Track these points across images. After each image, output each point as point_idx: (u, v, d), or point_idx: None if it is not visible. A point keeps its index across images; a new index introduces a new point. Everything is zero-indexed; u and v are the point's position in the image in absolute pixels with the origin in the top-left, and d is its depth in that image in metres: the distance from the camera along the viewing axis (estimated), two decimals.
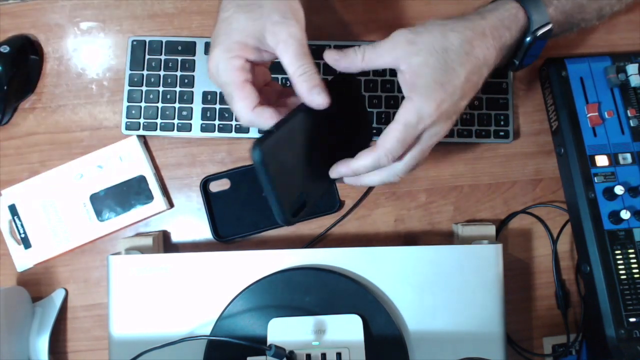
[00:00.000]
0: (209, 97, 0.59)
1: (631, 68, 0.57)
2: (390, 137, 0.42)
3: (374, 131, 0.58)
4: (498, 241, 0.56)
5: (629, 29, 0.62)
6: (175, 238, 0.60)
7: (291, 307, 0.51)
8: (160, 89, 0.59)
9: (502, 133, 0.60)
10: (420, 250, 0.53)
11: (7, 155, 0.60)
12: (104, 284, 0.59)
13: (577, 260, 0.59)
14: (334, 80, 0.47)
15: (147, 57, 0.59)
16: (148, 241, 0.56)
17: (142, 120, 0.59)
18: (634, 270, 0.53)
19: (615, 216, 0.54)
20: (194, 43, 0.59)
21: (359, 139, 0.50)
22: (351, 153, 0.45)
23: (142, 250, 0.55)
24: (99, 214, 0.58)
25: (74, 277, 0.59)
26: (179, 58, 0.59)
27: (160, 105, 0.59)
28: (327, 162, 0.46)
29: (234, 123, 0.59)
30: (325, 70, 0.60)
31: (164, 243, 0.60)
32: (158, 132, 0.59)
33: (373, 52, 0.43)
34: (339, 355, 0.49)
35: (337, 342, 0.50)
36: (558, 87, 0.58)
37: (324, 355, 0.49)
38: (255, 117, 0.42)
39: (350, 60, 0.44)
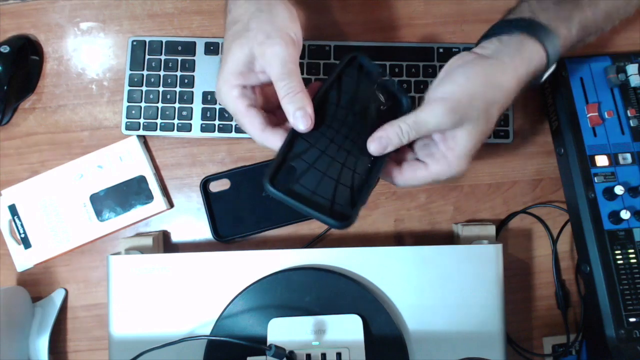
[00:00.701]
0: (209, 97, 0.59)
1: (631, 68, 0.57)
2: (416, 181, 0.46)
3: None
4: (498, 241, 0.56)
5: (629, 29, 0.62)
6: (175, 238, 0.60)
7: (291, 307, 0.51)
8: (160, 89, 0.59)
9: (502, 133, 0.60)
10: (420, 250, 0.53)
11: (7, 155, 0.60)
12: (104, 284, 0.59)
13: (577, 260, 0.59)
14: (337, 73, 0.46)
15: (147, 57, 0.59)
16: (148, 241, 0.56)
17: (142, 120, 0.59)
18: (634, 271, 0.53)
19: (615, 216, 0.54)
20: (194, 43, 0.59)
21: (392, 106, 0.49)
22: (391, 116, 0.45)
23: (142, 250, 0.55)
24: (99, 214, 0.58)
25: (74, 277, 0.59)
26: (179, 58, 0.59)
27: (160, 105, 0.59)
28: (361, 139, 0.45)
29: (234, 123, 0.59)
30: (324, 71, 0.60)
31: (164, 243, 0.60)
32: (158, 132, 0.59)
33: (417, 134, 0.44)
34: (339, 355, 0.49)
35: (337, 342, 0.50)
36: (558, 87, 0.58)
37: (324, 355, 0.49)
38: (265, 139, 0.43)
39: (396, 145, 0.45)
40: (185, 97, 0.59)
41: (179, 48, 0.59)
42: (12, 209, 0.58)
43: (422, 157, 0.47)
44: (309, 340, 0.49)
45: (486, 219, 0.61)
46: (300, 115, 0.42)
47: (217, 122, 0.59)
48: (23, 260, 0.58)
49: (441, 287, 0.52)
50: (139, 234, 0.59)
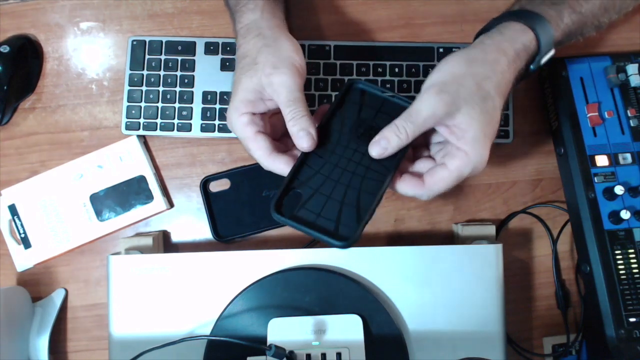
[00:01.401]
0: (209, 97, 0.59)
1: (631, 68, 0.57)
2: (440, 184, 0.45)
3: None
4: (498, 241, 0.56)
5: (629, 29, 0.62)
6: (175, 238, 0.60)
7: (291, 307, 0.51)
8: (160, 89, 0.59)
9: (502, 133, 0.59)
10: (420, 250, 0.53)
11: (7, 155, 0.60)
12: (104, 284, 0.59)
13: (577, 260, 0.59)
14: (340, 97, 0.48)
15: (147, 57, 0.59)
16: (148, 241, 0.56)
17: (142, 120, 0.59)
18: (634, 270, 0.53)
19: (615, 216, 0.54)
20: (194, 43, 0.59)
21: None
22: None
23: (142, 250, 0.55)
24: (99, 214, 0.58)
25: (74, 277, 0.59)
26: (179, 58, 0.59)
27: (160, 105, 0.59)
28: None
29: None
30: (324, 71, 0.60)
31: (164, 243, 0.60)
32: (158, 132, 0.59)
33: (414, 127, 0.44)
34: (339, 355, 0.49)
35: (337, 342, 0.50)
36: (558, 87, 0.58)
37: (324, 355, 0.49)
38: (271, 163, 0.46)
39: (396, 145, 0.45)
40: (185, 97, 0.59)
41: (179, 48, 0.59)
42: (12, 209, 0.58)
43: (440, 160, 0.47)
44: (309, 340, 0.49)
45: (486, 219, 0.61)
46: (303, 135, 0.45)
47: (217, 122, 0.59)
48: (23, 260, 0.58)
49: (441, 287, 0.52)
50: (139, 234, 0.59)
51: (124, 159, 0.59)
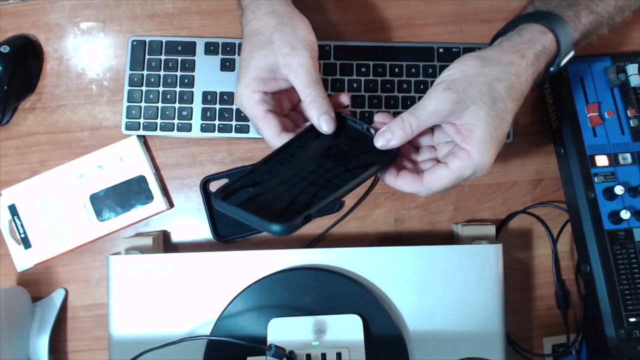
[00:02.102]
0: (209, 97, 0.59)
1: (631, 68, 0.57)
2: (439, 183, 0.45)
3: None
4: (498, 241, 0.56)
5: (629, 29, 0.62)
6: (175, 238, 0.60)
7: (291, 307, 0.51)
8: (160, 89, 0.59)
9: None
10: (420, 250, 0.53)
11: (7, 155, 0.60)
12: (104, 284, 0.59)
13: (577, 260, 0.59)
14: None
15: (147, 57, 0.59)
16: (148, 241, 0.56)
17: (142, 120, 0.59)
18: (634, 270, 0.53)
19: (615, 216, 0.54)
20: (194, 43, 0.59)
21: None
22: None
23: (142, 250, 0.55)
24: (99, 214, 0.58)
25: (74, 277, 0.59)
26: (179, 58, 0.59)
27: (160, 105, 0.59)
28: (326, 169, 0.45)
29: (234, 123, 0.59)
30: (324, 71, 0.60)
31: (164, 243, 0.60)
32: (158, 132, 0.59)
33: (418, 122, 0.44)
34: (339, 355, 0.49)
35: (337, 342, 0.50)
36: (558, 87, 0.58)
37: (324, 355, 0.49)
38: (279, 143, 0.46)
39: (400, 138, 0.44)
40: (185, 97, 0.59)
41: (179, 48, 0.59)
42: (12, 209, 0.58)
43: (443, 159, 0.46)
44: (309, 340, 0.49)
45: (486, 219, 0.61)
46: (325, 119, 0.45)
47: (217, 122, 0.59)
48: (23, 260, 0.58)
49: (441, 287, 0.52)
50: (139, 234, 0.59)
51: (124, 159, 0.59)
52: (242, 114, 0.57)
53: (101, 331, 0.59)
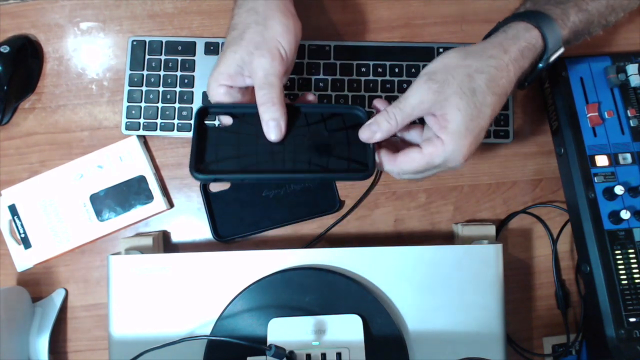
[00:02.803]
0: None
1: (631, 68, 0.57)
2: (410, 165, 0.46)
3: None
4: (498, 241, 0.56)
5: (629, 29, 0.62)
6: (175, 238, 0.60)
7: (291, 307, 0.51)
8: (160, 89, 0.59)
9: (502, 133, 0.60)
10: (420, 250, 0.53)
11: (7, 155, 0.60)
12: (104, 284, 0.59)
13: (577, 260, 0.59)
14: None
15: (147, 57, 0.59)
16: (148, 241, 0.56)
17: (142, 120, 0.59)
18: (634, 270, 0.53)
19: (615, 216, 0.54)
20: (194, 43, 0.59)
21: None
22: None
23: (142, 250, 0.55)
24: (99, 214, 0.58)
25: (74, 277, 0.59)
26: (179, 58, 0.59)
27: (160, 105, 0.59)
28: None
29: None
30: (324, 71, 0.60)
31: (164, 243, 0.60)
32: (158, 132, 0.59)
33: (403, 114, 0.45)
34: (339, 355, 0.49)
35: (337, 342, 0.50)
36: (558, 87, 0.58)
37: (324, 355, 0.49)
38: None
39: (386, 131, 0.45)
40: (185, 97, 0.59)
41: (179, 48, 0.59)
42: (12, 209, 0.58)
43: (420, 143, 0.46)
44: (309, 340, 0.49)
45: (486, 219, 0.61)
46: (273, 125, 0.45)
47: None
48: (23, 260, 0.58)
49: (441, 287, 0.52)
50: (139, 234, 0.59)
51: (124, 159, 0.59)
52: None
53: (101, 331, 0.59)
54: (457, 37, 0.62)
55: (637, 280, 0.53)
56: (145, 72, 0.59)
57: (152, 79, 0.59)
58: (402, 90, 0.59)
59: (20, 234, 0.58)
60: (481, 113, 0.44)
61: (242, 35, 0.46)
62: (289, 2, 0.49)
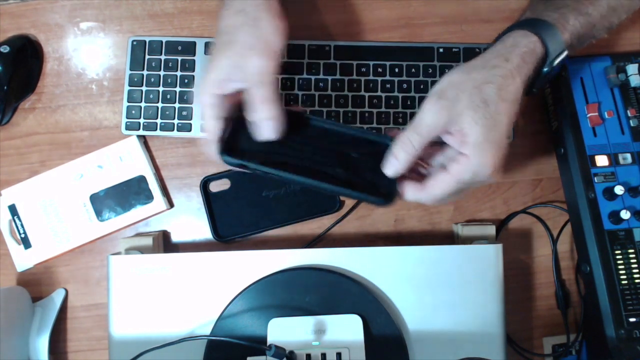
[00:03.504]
0: None
1: (631, 68, 0.57)
2: (440, 188, 0.45)
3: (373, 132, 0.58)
4: (498, 241, 0.56)
5: (629, 29, 0.62)
6: (175, 238, 0.60)
7: (291, 307, 0.51)
8: (160, 89, 0.59)
9: None
10: (420, 250, 0.53)
11: (7, 155, 0.60)
12: (104, 284, 0.59)
13: (577, 260, 0.59)
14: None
15: (147, 57, 0.59)
16: (148, 241, 0.56)
17: (142, 120, 0.59)
18: (634, 270, 0.53)
19: (615, 216, 0.54)
20: (194, 43, 0.59)
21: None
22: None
23: (142, 250, 0.55)
24: (99, 214, 0.58)
25: (74, 277, 0.59)
26: (179, 58, 0.59)
27: (160, 105, 0.59)
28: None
29: None
30: (324, 71, 0.60)
31: (164, 243, 0.60)
32: (158, 132, 0.59)
33: (419, 137, 0.44)
34: (339, 355, 0.49)
35: (337, 342, 0.50)
36: (558, 87, 0.58)
37: (324, 355, 0.49)
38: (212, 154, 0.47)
39: (405, 161, 0.45)
40: (185, 97, 0.59)
41: (179, 48, 0.59)
42: (12, 209, 0.58)
43: (445, 165, 0.46)
44: (309, 340, 0.49)
45: (486, 219, 0.61)
46: (269, 124, 0.45)
47: None
48: (23, 260, 0.58)
49: (441, 287, 0.52)
50: (139, 234, 0.59)
51: (124, 159, 0.59)
52: None
53: (101, 331, 0.59)
54: (457, 37, 0.62)
55: (637, 280, 0.53)
56: (145, 72, 0.59)
57: (152, 79, 0.59)
58: (403, 90, 0.59)
59: (20, 234, 0.58)
60: (497, 122, 0.44)
61: (234, 38, 0.45)
62: (275, 2, 0.48)
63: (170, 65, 0.59)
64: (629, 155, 0.56)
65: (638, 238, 0.54)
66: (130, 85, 0.59)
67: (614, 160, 0.56)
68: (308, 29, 0.62)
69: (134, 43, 0.59)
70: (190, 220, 0.60)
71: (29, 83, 0.60)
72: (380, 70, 0.60)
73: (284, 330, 0.50)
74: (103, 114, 0.61)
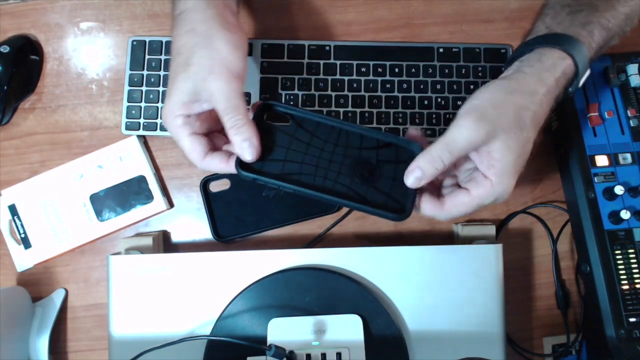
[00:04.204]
0: None
1: (631, 68, 0.57)
2: (459, 209, 0.44)
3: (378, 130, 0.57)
4: (498, 241, 0.56)
5: None
6: (175, 238, 0.60)
7: (291, 307, 0.51)
8: (160, 89, 0.59)
9: None
10: (420, 250, 0.53)
11: (7, 155, 0.60)
12: (104, 284, 0.59)
13: (577, 260, 0.59)
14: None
15: (147, 57, 0.59)
16: (148, 241, 0.56)
17: (142, 120, 0.59)
18: (634, 270, 0.53)
19: (615, 216, 0.54)
20: None
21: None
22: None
23: (142, 250, 0.55)
24: (99, 214, 0.58)
25: (74, 277, 0.59)
26: None
27: (160, 105, 0.59)
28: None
29: None
30: (324, 71, 0.60)
31: (164, 243, 0.60)
32: (158, 132, 0.59)
33: (451, 157, 0.43)
34: (339, 355, 0.49)
35: (337, 342, 0.50)
36: None
37: (324, 355, 0.49)
38: (206, 165, 0.45)
39: (432, 176, 0.43)
40: None
41: None
42: (12, 209, 0.58)
43: (464, 183, 0.45)
44: (309, 340, 0.49)
45: (486, 219, 0.61)
46: (246, 145, 0.43)
47: None
48: (23, 260, 0.58)
49: (441, 287, 0.52)
50: (139, 234, 0.59)
51: (124, 159, 0.59)
52: None
53: (101, 331, 0.59)
54: (457, 37, 0.62)
55: (637, 280, 0.53)
56: (145, 72, 0.59)
57: (152, 79, 0.59)
58: (403, 90, 0.59)
59: (20, 234, 0.58)
60: (525, 149, 0.44)
61: (189, 61, 0.43)
62: (227, 11, 0.46)
63: None
64: (629, 155, 0.56)
65: (638, 238, 0.54)
66: (130, 85, 0.59)
67: (614, 160, 0.56)
68: (308, 29, 0.62)
69: (134, 43, 0.59)
70: (190, 220, 0.60)
71: (29, 83, 0.60)
72: (380, 70, 0.60)
73: (284, 330, 0.50)
74: (103, 114, 0.61)
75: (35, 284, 0.59)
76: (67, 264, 0.59)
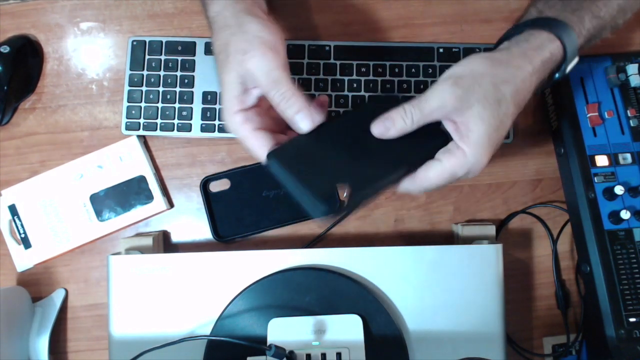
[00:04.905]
0: (209, 97, 0.59)
1: (631, 68, 0.57)
2: (431, 180, 0.44)
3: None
4: (498, 241, 0.56)
5: (629, 29, 0.62)
6: (175, 238, 0.60)
7: (291, 307, 0.51)
8: (160, 89, 0.59)
9: None
10: (420, 250, 0.53)
11: (7, 155, 0.60)
12: (104, 284, 0.59)
13: (577, 260, 0.59)
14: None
15: (147, 57, 0.59)
16: (148, 241, 0.56)
17: (142, 120, 0.59)
18: (634, 270, 0.53)
19: (615, 216, 0.54)
20: (194, 43, 0.59)
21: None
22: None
23: (142, 250, 0.55)
24: (99, 214, 0.58)
25: (74, 277, 0.59)
26: (179, 58, 0.59)
27: (160, 105, 0.59)
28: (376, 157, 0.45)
29: None
30: (324, 71, 0.60)
31: (164, 243, 0.60)
32: (158, 132, 0.59)
33: (420, 114, 0.43)
34: (339, 355, 0.49)
35: (337, 342, 0.50)
36: (558, 87, 0.58)
37: (324, 355, 0.49)
38: None
39: (400, 129, 0.44)
40: (185, 97, 0.59)
41: (179, 48, 0.59)
42: (12, 209, 0.58)
43: (438, 155, 0.45)
44: (309, 340, 0.49)
45: (486, 219, 0.61)
46: (301, 117, 0.43)
47: (217, 122, 0.59)
48: (23, 260, 0.58)
49: (441, 287, 0.52)
50: (139, 234, 0.59)
51: (124, 159, 0.59)
52: None
53: (101, 331, 0.59)
54: (457, 37, 0.62)
55: (637, 280, 0.53)
56: (145, 72, 0.59)
57: (152, 79, 0.59)
58: (403, 90, 0.59)
59: (20, 234, 0.58)
60: (502, 124, 0.43)
61: (228, 51, 0.44)
62: (255, 6, 0.46)
63: (170, 65, 0.59)
64: (629, 155, 0.56)
65: (638, 238, 0.54)
66: (130, 86, 0.59)
67: (614, 160, 0.56)
68: (308, 29, 0.62)
69: (134, 43, 0.59)
70: (190, 220, 0.60)
71: (29, 83, 0.60)
72: (380, 70, 0.60)
73: (284, 330, 0.50)
74: (103, 114, 0.61)
75: (35, 284, 0.59)
76: (67, 264, 0.59)
